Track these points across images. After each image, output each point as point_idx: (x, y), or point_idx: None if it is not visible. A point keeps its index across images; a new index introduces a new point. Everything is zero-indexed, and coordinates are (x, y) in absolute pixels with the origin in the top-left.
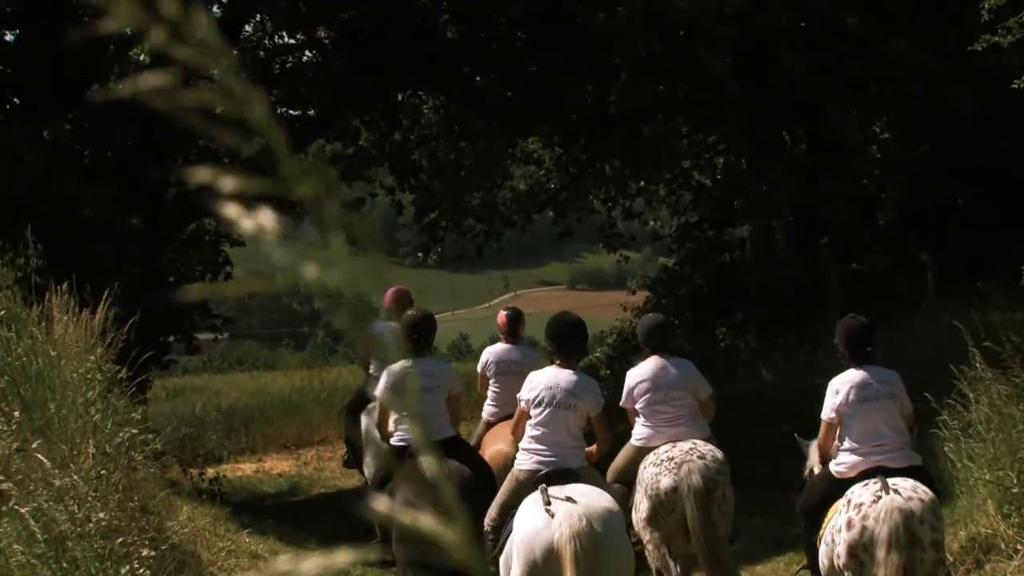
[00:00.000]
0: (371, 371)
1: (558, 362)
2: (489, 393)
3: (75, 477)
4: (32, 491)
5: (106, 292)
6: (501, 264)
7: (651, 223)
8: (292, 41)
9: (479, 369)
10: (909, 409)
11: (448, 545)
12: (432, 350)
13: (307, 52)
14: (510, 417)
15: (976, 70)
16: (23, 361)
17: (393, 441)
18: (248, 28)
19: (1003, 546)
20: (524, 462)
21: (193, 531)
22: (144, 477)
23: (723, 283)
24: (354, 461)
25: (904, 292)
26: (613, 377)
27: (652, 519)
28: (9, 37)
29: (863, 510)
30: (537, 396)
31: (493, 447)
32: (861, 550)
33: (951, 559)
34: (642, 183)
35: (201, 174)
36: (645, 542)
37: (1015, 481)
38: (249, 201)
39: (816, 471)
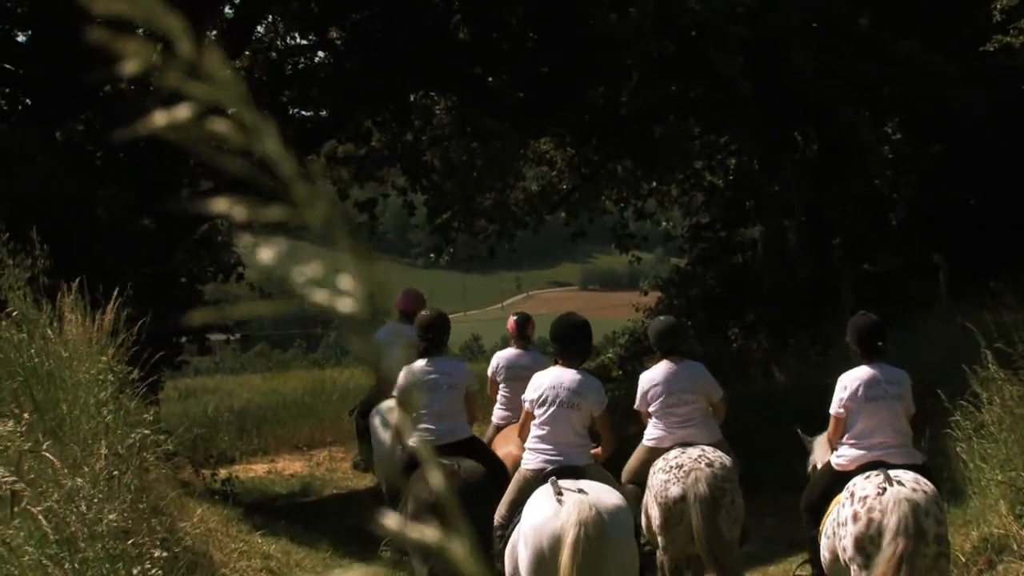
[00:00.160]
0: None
1: (561, 362)
2: (499, 397)
3: (87, 478)
4: (44, 492)
5: (115, 292)
6: (513, 265)
7: (663, 224)
8: (304, 42)
9: (489, 373)
10: (914, 411)
11: (453, 557)
12: (445, 351)
13: (319, 53)
14: None
15: (987, 71)
16: (35, 362)
17: (412, 442)
18: (260, 29)
19: (1015, 547)
20: (530, 461)
21: (205, 532)
22: (156, 478)
23: (735, 284)
24: (363, 464)
25: (916, 293)
26: (625, 378)
27: (663, 526)
28: (21, 38)
29: (868, 503)
30: (541, 396)
31: (502, 450)
32: (868, 542)
33: (963, 559)
34: (654, 184)
35: (219, 205)
36: (660, 549)
37: None
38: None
39: (819, 465)
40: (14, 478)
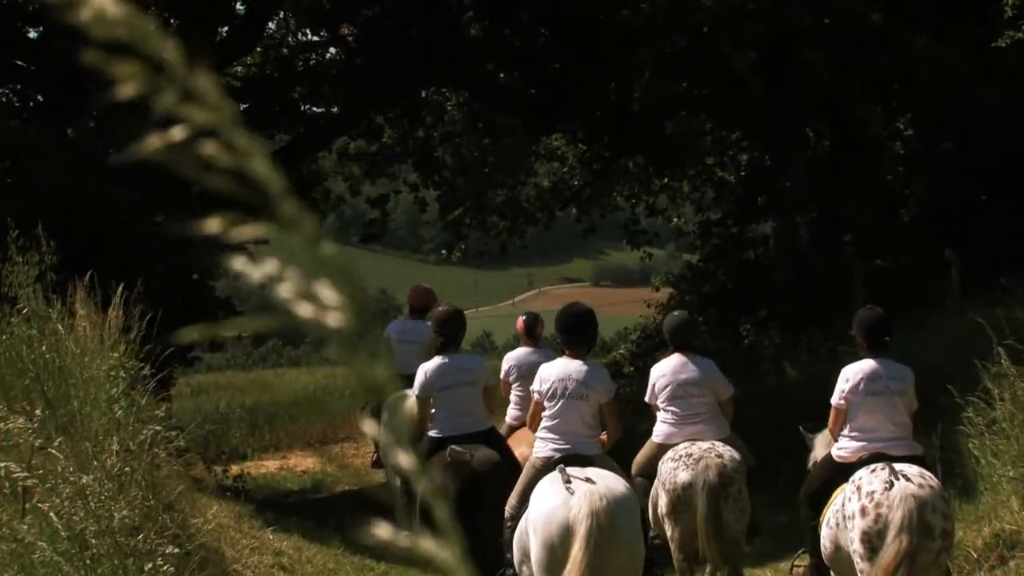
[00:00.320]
0: (393, 369)
1: (568, 353)
2: (512, 397)
3: (98, 474)
4: (55, 488)
5: (122, 288)
6: (525, 261)
7: (674, 220)
8: (316, 38)
9: (501, 376)
10: (916, 407)
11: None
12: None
13: (331, 49)
14: None
15: (999, 66)
16: (46, 358)
17: (431, 433)
18: (272, 25)
19: None
20: (540, 450)
21: (217, 528)
22: (168, 474)
23: (747, 280)
24: (379, 459)
25: (928, 289)
26: (636, 374)
27: (670, 513)
28: (32, 34)
29: (876, 498)
30: (550, 388)
31: (515, 451)
32: (876, 536)
33: (975, 555)
34: (665, 180)
35: (212, 225)
36: (668, 539)
37: None
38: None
39: (819, 455)
40: (25, 474)
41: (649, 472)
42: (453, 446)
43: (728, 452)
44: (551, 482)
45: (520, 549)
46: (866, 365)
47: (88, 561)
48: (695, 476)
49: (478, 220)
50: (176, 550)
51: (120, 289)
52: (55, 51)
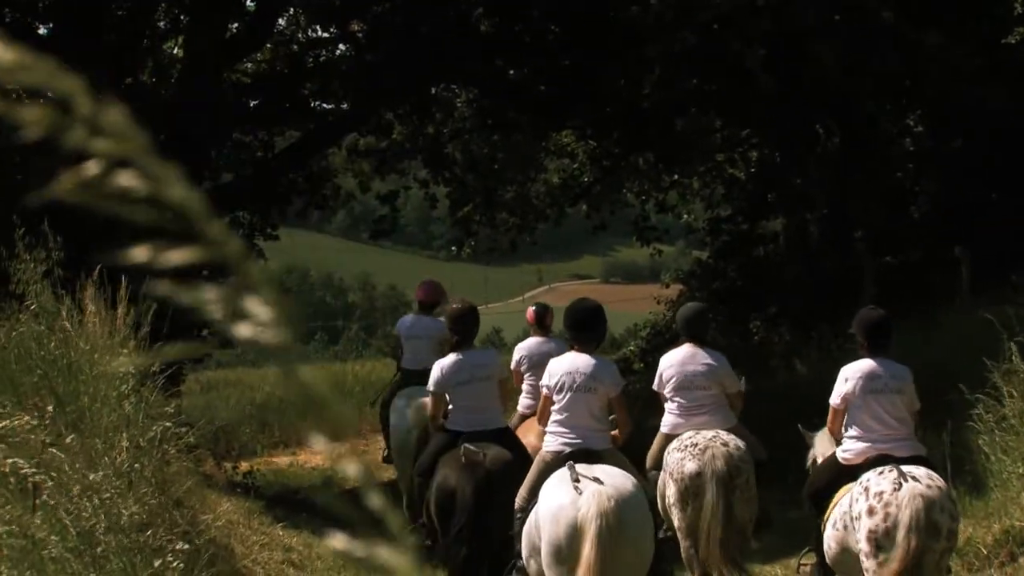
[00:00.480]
0: (402, 364)
1: (576, 348)
2: (524, 387)
3: (108, 471)
4: (64, 484)
5: (124, 284)
6: (534, 257)
7: (684, 217)
8: (326, 35)
9: (512, 366)
10: (917, 406)
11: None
12: None
13: (341, 46)
14: None
15: (1009, 64)
16: (55, 355)
17: (448, 426)
18: (282, 22)
19: None
20: (550, 444)
21: (227, 525)
22: (177, 471)
23: (756, 277)
24: (388, 455)
25: (938, 286)
26: (646, 370)
27: (678, 502)
28: (42, 30)
29: (885, 498)
30: (558, 382)
31: (524, 440)
32: (883, 535)
33: (985, 552)
34: (675, 176)
35: (138, 254)
36: (676, 529)
37: None
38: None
39: (820, 460)
40: (34, 471)
41: (662, 464)
42: (467, 445)
43: (733, 440)
44: (560, 480)
45: (528, 544)
46: (865, 364)
47: (98, 558)
48: (703, 466)
49: (488, 216)
50: (186, 546)
51: (125, 283)
52: (64, 46)
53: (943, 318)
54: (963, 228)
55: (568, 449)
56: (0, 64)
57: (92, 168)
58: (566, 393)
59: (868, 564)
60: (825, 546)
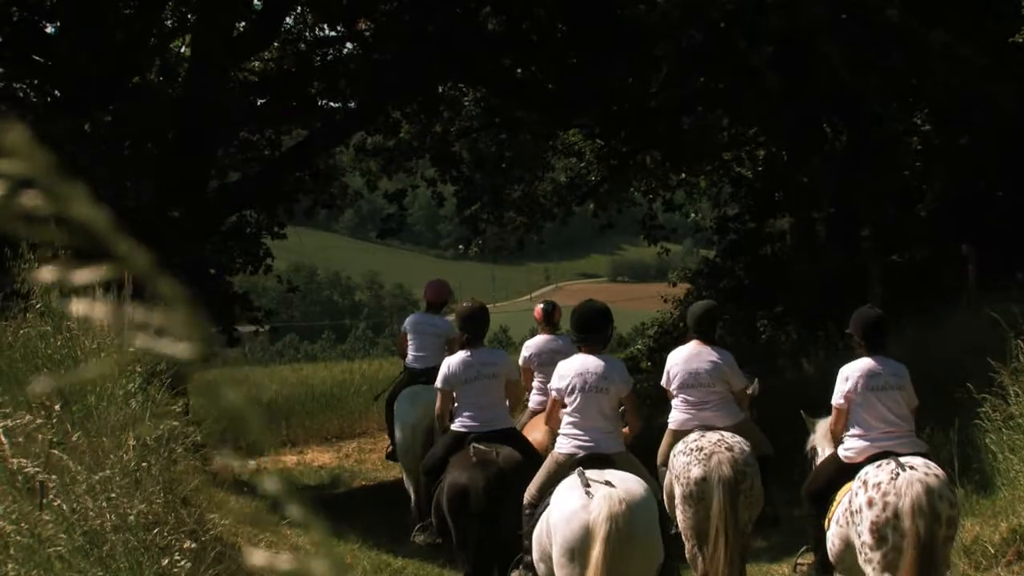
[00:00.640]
0: (408, 362)
1: (584, 349)
2: (535, 384)
3: (114, 470)
4: (71, 483)
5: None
6: (542, 256)
7: (692, 215)
8: (333, 34)
9: (521, 364)
10: (915, 403)
11: None
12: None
13: (348, 45)
14: None
15: (1016, 63)
16: (62, 354)
17: (454, 427)
18: (289, 21)
19: None
20: (563, 446)
21: (234, 523)
22: (185, 469)
23: (764, 275)
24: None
25: (945, 284)
26: (654, 369)
27: (682, 505)
28: (49, 29)
29: (883, 488)
30: (569, 384)
31: (530, 436)
32: (884, 525)
33: (992, 551)
34: (683, 175)
35: (44, 274)
36: (680, 528)
37: None
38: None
39: (819, 449)
40: (38, 470)
41: (669, 465)
42: (476, 444)
43: (738, 444)
44: (571, 486)
45: (539, 548)
46: (864, 363)
47: (105, 556)
48: (708, 471)
49: (495, 215)
50: (193, 545)
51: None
52: (71, 45)
53: (950, 316)
54: (970, 226)
55: (581, 452)
56: None
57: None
58: (578, 394)
59: (872, 555)
60: (829, 543)
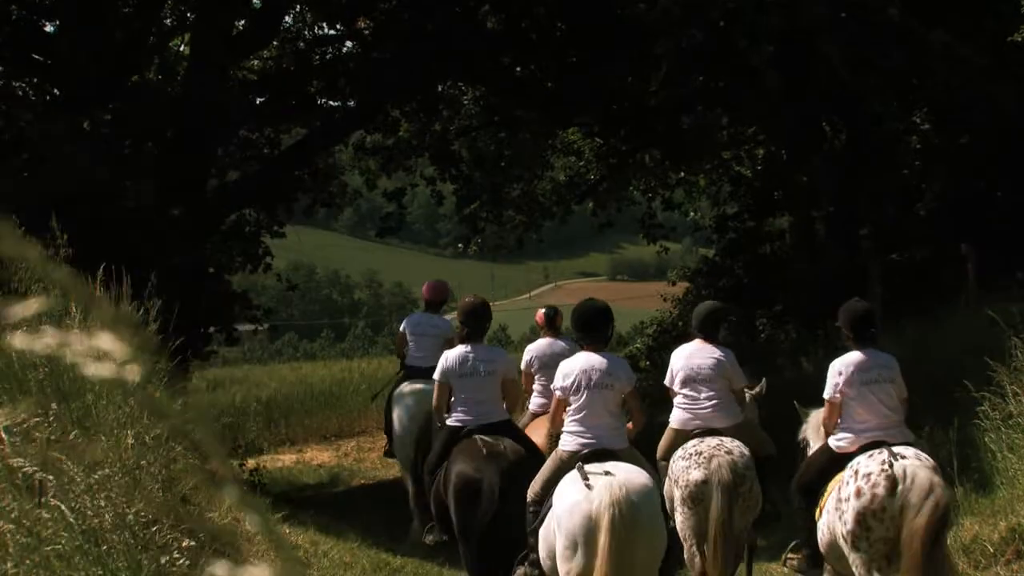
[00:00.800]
0: (407, 361)
1: (586, 347)
2: (536, 386)
3: (113, 468)
4: (70, 482)
5: (127, 280)
6: (541, 255)
7: (691, 214)
8: (332, 32)
9: (523, 367)
10: (905, 394)
11: None
12: None
13: (347, 43)
14: None
15: (1015, 62)
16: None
17: (450, 422)
18: (288, 19)
19: None
20: (568, 443)
21: (233, 522)
22: (184, 468)
23: (763, 274)
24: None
25: (944, 283)
26: (653, 368)
27: (681, 507)
28: (48, 28)
29: (872, 479)
30: (574, 382)
31: (531, 437)
32: (870, 516)
33: (991, 550)
34: (682, 174)
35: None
36: (679, 530)
37: None
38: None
39: (810, 441)
40: (37, 468)
41: (668, 471)
42: (482, 436)
43: (737, 448)
44: (572, 481)
45: (546, 547)
46: (855, 357)
47: (103, 555)
48: (708, 474)
49: (494, 214)
50: (192, 543)
51: (129, 281)
52: (71, 44)
53: (949, 315)
54: (970, 226)
55: (585, 450)
56: None
57: None
58: (583, 392)
59: (859, 544)
60: (820, 534)
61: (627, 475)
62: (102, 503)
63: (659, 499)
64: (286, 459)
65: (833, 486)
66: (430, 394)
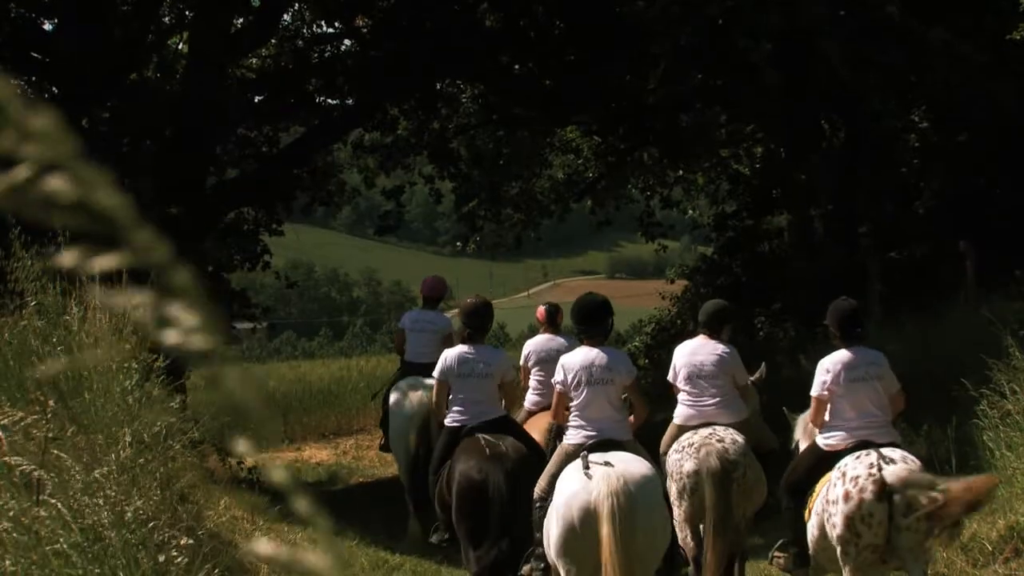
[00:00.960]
0: (405, 358)
1: (586, 342)
2: (532, 382)
3: (111, 466)
4: (67, 480)
5: (126, 278)
6: (539, 253)
7: (689, 212)
8: (331, 30)
9: (521, 363)
10: (896, 388)
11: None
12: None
13: (346, 41)
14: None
15: (1013, 60)
16: (58, 351)
17: (448, 422)
18: (287, 17)
19: None
20: (572, 437)
21: (231, 520)
22: (182, 466)
23: (762, 272)
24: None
25: (943, 281)
26: (651, 366)
27: (677, 498)
28: (47, 25)
29: (860, 483)
30: (575, 377)
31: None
32: (859, 521)
33: (989, 548)
34: (680, 172)
35: (67, 258)
36: (675, 521)
37: None
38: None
39: (800, 442)
40: (34, 466)
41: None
42: (484, 435)
43: (729, 436)
44: (573, 470)
45: (548, 538)
46: (843, 355)
47: (101, 553)
48: (699, 464)
49: (493, 212)
50: (190, 541)
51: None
52: (69, 42)
53: (948, 313)
54: (969, 223)
55: (589, 442)
56: None
57: (21, 173)
58: (584, 387)
59: (847, 548)
60: (809, 535)
61: (626, 465)
62: (100, 501)
63: (660, 490)
64: (285, 457)
65: (821, 486)
66: (428, 390)
